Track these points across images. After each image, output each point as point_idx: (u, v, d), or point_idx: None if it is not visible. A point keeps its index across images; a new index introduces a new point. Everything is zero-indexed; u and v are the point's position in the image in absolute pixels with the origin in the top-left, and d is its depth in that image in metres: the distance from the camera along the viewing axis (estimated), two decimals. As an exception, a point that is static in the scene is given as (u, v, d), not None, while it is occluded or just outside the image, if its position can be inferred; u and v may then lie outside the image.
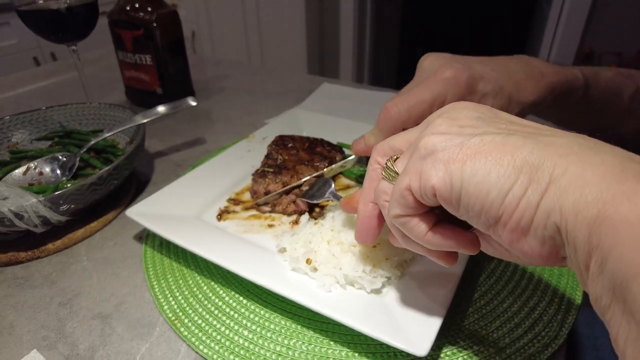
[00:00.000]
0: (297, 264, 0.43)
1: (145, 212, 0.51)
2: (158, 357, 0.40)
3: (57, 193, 0.48)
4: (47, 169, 0.61)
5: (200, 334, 0.41)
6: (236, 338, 0.41)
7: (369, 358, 0.38)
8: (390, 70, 3.00)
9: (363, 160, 0.61)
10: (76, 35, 0.75)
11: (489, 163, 0.24)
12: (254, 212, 0.57)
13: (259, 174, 0.57)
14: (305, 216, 0.51)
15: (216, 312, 0.43)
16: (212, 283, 0.47)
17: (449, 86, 0.45)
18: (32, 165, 0.60)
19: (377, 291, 0.41)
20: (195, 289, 0.46)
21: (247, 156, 0.67)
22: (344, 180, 0.63)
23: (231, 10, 2.51)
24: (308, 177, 0.57)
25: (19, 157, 0.65)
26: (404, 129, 0.47)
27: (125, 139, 0.70)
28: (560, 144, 0.24)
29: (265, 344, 0.40)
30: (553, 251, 0.24)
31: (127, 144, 0.68)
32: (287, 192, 0.56)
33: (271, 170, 0.58)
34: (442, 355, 0.39)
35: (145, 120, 0.65)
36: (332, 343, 0.40)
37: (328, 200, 0.54)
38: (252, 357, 0.39)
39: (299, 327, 0.42)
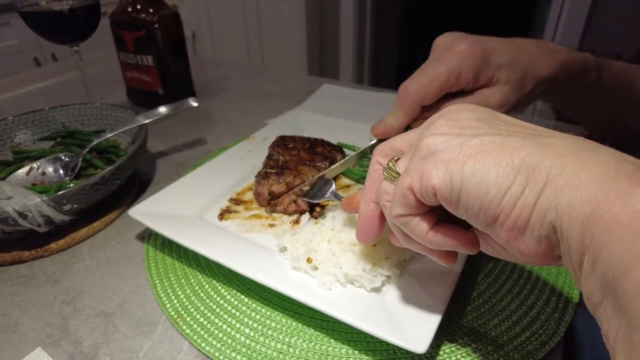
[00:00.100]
0: (298, 262, 0.43)
1: (147, 211, 0.52)
2: (161, 354, 0.40)
3: (60, 193, 0.49)
4: (50, 169, 0.61)
5: (202, 332, 0.42)
6: (238, 336, 0.41)
7: (368, 355, 0.39)
8: (390, 71, 3.00)
9: (368, 151, 0.61)
10: (78, 37, 0.75)
11: (488, 163, 0.25)
12: (255, 211, 0.57)
13: (262, 176, 0.58)
14: (306, 216, 0.52)
15: (218, 310, 0.44)
16: (214, 282, 0.47)
17: (464, 59, 0.45)
18: (35, 165, 0.61)
19: (377, 289, 0.42)
20: (197, 288, 0.47)
21: (248, 156, 0.67)
22: (345, 180, 0.64)
23: (231, 11, 2.51)
24: (316, 177, 0.57)
25: (22, 157, 0.65)
26: (422, 107, 0.48)
27: (127, 140, 0.70)
28: (557, 145, 0.24)
29: (267, 341, 0.41)
30: (549, 250, 0.25)
31: (129, 145, 0.69)
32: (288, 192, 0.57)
33: (274, 171, 0.58)
34: (440, 352, 0.39)
35: (147, 121, 0.65)
36: (332, 341, 0.41)
37: (329, 200, 0.55)
38: (254, 354, 0.39)
39: (299, 325, 0.42)
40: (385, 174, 0.32)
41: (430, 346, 0.35)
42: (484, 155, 0.25)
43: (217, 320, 0.43)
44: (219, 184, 0.61)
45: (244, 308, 0.44)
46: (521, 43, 0.49)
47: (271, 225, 0.55)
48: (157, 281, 0.48)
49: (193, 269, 0.49)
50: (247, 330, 0.42)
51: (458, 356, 0.39)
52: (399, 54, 3.03)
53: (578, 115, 0.66)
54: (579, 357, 0.39)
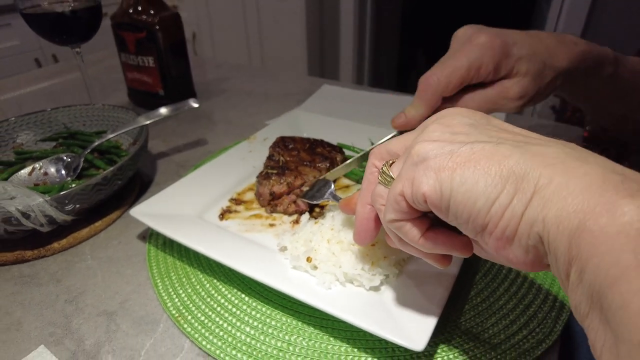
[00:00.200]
0: (298, 262, 0.44)
1: (149, 211, 0.52)
2: (162, 352, 0.41)
3: (62, 193, 0.49)
4: (52, 170, 0.62)
5: (203, 330, 0.42)
6: (238, 334, 0.42)
7: (367, 353, 0.39)
8: (390, 71, 3.01)
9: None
10: (80, 38, 0.76)
11: (478, 172, 0.25)
12: (255, 211, 0.58)
13: (263, 176, 0.58)
14: (306, 216, 0.52)
15: (219, 309, 0.44)
16: (215, 281, 0.48)
17: (484, 50, 0.46)
18: (37, 165, 0.62)
19: (376, 288, 0.42)
20: (198, 287, 0.47)
21: (248, 157, 0.68)
22: (344, 181, 0.64)
23: (232, 12, 2.52)
24: (322, 177, 0.58)
25: (24, 157, 0.66)
26: (443, 98, 0.48)
27: (129, 140, 0.71)
28: (547, 154, 0.24)
29: (267, 339, 0.41)
30: (536, 259, 0.25)
31: (131, 145, 0.70)
32: (288, 193, 0.57)
33: (275, 172, 0.59)
34: (438, 350, 0.40)
35: (148, 122, 0.66)
36: (331, 339, 0.41)
37: (328, 201, 0.55)
38: (254, 352, 0.40)
39: (299, 323, 0.43)
40: (379, 177, 0.33)
41: (428, 344, 0.36)
42: (474, 164, 0.25)
43: (218, 319, 0.43)
44: (220, 184, 0.61)
45: (244, 307, 0.45)
46: (540, 35, 0.49)
47: (271, 225, 0.55)
48: (159, 280, 0.48)
49: (194, 268, 0.50)
50: (247, 329, 0.42)
51: (455, 354, 0.39)
52: (399, 54, 3.04)
53: (593, 110, 0.66)
54: (575, 355, 0.40)
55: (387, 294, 0.41)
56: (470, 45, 0.46)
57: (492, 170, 0.25)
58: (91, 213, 0.57)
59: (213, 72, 1.22)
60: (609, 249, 0.19)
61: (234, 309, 0.44)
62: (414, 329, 0.36)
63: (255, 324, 0.43)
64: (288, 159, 0.62)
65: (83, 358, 0.40)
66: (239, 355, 0.40)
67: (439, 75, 0.47)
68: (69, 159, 0.63)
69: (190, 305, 0.45)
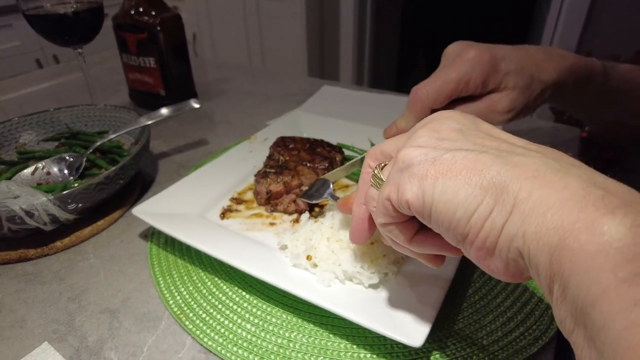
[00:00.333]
0: (298, 260, 0.44)
1: (150, 210, 0.53)
2: (164, 349, 0.41)
3: (65, 192, 0.50)
4: (55, 169, 0.63)
5: (204, 328, 0.43)
6: (239, 331, 0.42)
7: (366, 350, 0.40)
8: (390, 72, 3.02)
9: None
10: (82, 39, 0.77)
11: (459, 182, 0.25)
12: (256, 210, 0.58)
13: (261, 175, 0.59)
14: (306, 214, 0.53)
15: (220, 306, 0.45)
16: (216, 279, 0.48)
17: (473, 65, 0.47)
18: (40, 165, 0.62)
19: (375, 286, 0.43)
20: (199, 285, 0.48)
21: (249, 157, 0.68)
22: (343, 180, 0.65)
23: (232, 12, 2.53)
24: (321, 178, 0.58)
25: (27, 157, 0.66)
26: (433, 111, 0.49)
27: (130, 140, 0.71)
28: (527, 165, 0.24)
29: (267, 336, 0.42)
30: (517, 272, 0.25)
31: (132, 145, 0.70)
32: (288, 192, 0.58)
33: (273, 170, 0.59)
34: (436, 347, 0.40)
35: (149, 122, 0.66)
36: (331, 336, 0.42)
37: (327, 200, 0.56)
38: (255, 349, 0.40)
39: (299, 320, 0.43)
40: (372, 180, 0.33)
41: (427, 341, 0.36)
42: (455, 174, 0.25)
43: (219, 316, 0.44)
44: (221, 184, 0.62)
45: (245, 304, 0.45)
46: (528, 50, 0.50)
47: (272, 224, 0.56)
48: (160, 278, 0.49)
49: (195, 266, 0.50)
50: (248, 326, 0.43)
51: (453, 351, 0.40)
52: (399, 55, 3.04)
53: (586, 117, 0.67)
54: (570, 352, 0.40)
55: (386, 292, 0.42)
56: (460, 60, 0.47)
57: (473, 180, 0.25)
58: (93, 212, 0.58)
59: (213, 72, 1.23)
60: (589, 268, 0.19)
61: (234, 306, 0.45)
62: (412, 325, 0.37)
63: (256, 321, 0.43)
64: (287, 158, 0.63)
65: (86, 354, 0.41)
66: (239, 351, 0.40)
67: (428, 88, 0.48)
68: (72, 159, 0.64)
69: (192, 303, 0.45)
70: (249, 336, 0.42)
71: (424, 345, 0.36)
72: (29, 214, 0.48)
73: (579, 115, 0.66)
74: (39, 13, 0.72)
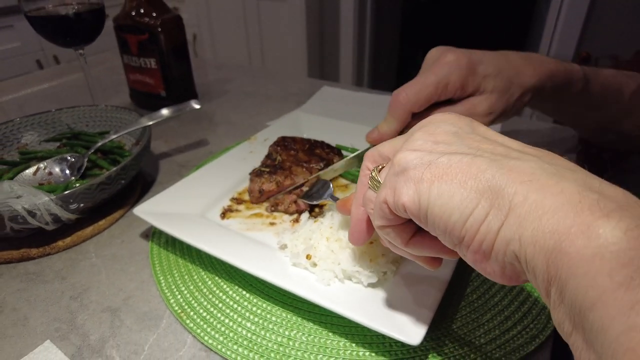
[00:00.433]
0: (298, 259, 0.45)
1: (151, 210, 0.53)
2: (165, 347, 0.42)
3: (67, 192, 0.50)
4: (57, 169, 0.63)
5: (205, 326, 0.43)
6: (239, 330, 0.43)
7: (365, 348, 0.41)
8: (390, 73, 3.02)
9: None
10: (83, 40, 0.77)
11: (454, 186, 0.25)
12: (256, 210, 0.59)
13: (255, 173, 0.60)
14: (306, 214, 0.53)
15: (220, 305, 0.45)
16: (217, 278, 0.49)
17: (452, 69, 0.48)
18: (41, 165, 0.63)
19: (374, 285, 0.43)
20: (200, 284, 0.48)
21: (249, 157, 0.69)
22: (343, 181, 0.65)
23: (232, 13, 2.53)
24: (313, 176, 0.59)
25: (29, 157, 0.67)
26: (414, 114, 0.50)
27: (131, 141, 0.72)
28: (523, 169, 0.24)
29: (267, 335, 0.42)
30: (514, 275, 0.25)
31: (133, 145, 0.71)
32: (289, 192, 0.58)
33: (267, 170, 0.60)
34: (434, 345, 0.41)
35: (150, 123, 0.67)
36: (330, 334, 0.42)
37: (327, 200, 0.56)
38: (255, 347, 0.41)
39: (299, 319, 0.44)
40: (369, 182, 0.33)
41: (425, 339, 0.37)
42: (451, 177, 0.25)
43: (219, 315, 0.44)
44: (221, 184, 0.62)
45: (245, 303, 0.46)
46: (507, 54, 0.51)
47: (272, 224, 0.56)
48: (161, 277, 0.49)
49: (196, 265, 0.51)
50: (248, 324, 0.43)
51: (451, 349, 0.40)
52: (399, 56, 3.05)
53: (569, 123, 0.68)
54: (566, 350, 0.41)
55: (385, 291, 0.42)
56: (439, 64, 0.48)
57: (468, 184, 0.25)
58: (95, 212, 0.58)
59: (214, 73, 1.23)
60: (586, 272, 0.19)
61: (235, 305, 0.45)
62: (411, 324, 0.37)
63: (256, 319, 0.44)
64: (285, 158, 0.63)
65: (88, 353, 0.41)
66: (240, 350, 0.41)
67: (408, 92, 0.49)
68: (73, 159, 0.64)
69: (192, 302, 0.46)
70: (249, 334, 0.42)
71: (421, 343, 0.36)
72: (31, 213, 0.49)
73: (563, 120, 0.67)
74: (40, 14, 0.72)
